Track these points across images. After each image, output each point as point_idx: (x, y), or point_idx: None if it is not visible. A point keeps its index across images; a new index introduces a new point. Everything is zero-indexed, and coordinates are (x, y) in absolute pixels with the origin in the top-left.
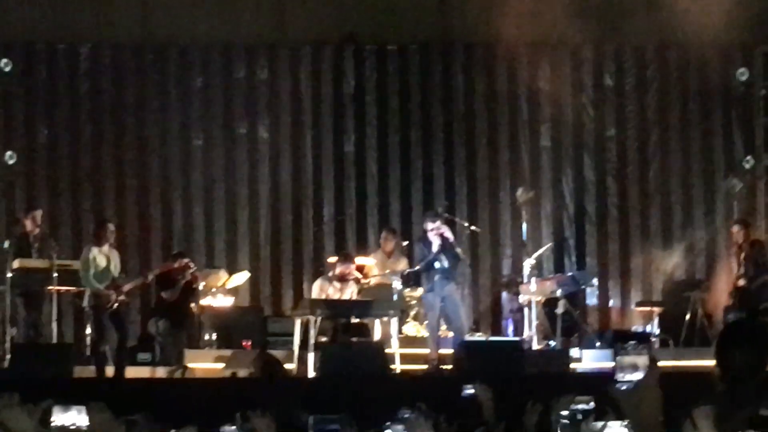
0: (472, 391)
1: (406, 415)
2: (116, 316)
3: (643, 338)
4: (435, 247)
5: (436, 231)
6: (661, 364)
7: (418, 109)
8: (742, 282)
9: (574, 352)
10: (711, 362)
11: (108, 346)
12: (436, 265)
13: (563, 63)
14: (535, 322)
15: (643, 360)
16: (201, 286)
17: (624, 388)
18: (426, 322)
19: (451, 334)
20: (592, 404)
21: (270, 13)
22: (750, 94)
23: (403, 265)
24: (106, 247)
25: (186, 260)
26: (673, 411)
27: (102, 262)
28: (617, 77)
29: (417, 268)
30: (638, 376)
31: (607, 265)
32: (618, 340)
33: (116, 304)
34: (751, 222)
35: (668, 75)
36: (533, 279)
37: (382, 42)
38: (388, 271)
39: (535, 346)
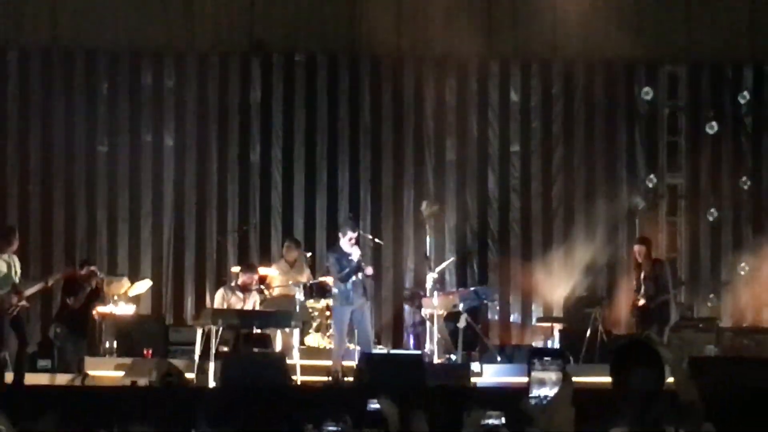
0: (377, 405)
1: (331, 428)
2: (17, 322)
3: (558, 354)
4: (356, 257)
5: (355, 240)
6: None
7: (325, 119)
8: (642, 301)
9: (475, 366)
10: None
11: (7, 352)
12: (353, 277)
13: (469, 78)
14: (436, 336)
15: (556, 376)
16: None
17: (536, 403)
18: (330, 332)
19: (352, 346)
20: (503, 419)
21: (178, 20)
22: (654, 113)
23: (305, 276)
24: (6, 254)
25: (93, 267)
26: (585, 427)
27: (2, 267)
28: (523, 93)
29: (340, 275)
30: (551, 391)
31: (508, 280)
32: (533, 355)
33: (17, 310)
34: (652, 241)
35: (573, 92)
36: (435, 293)
37: (290, 51)
38: (290, 281)
39: (437, 360)
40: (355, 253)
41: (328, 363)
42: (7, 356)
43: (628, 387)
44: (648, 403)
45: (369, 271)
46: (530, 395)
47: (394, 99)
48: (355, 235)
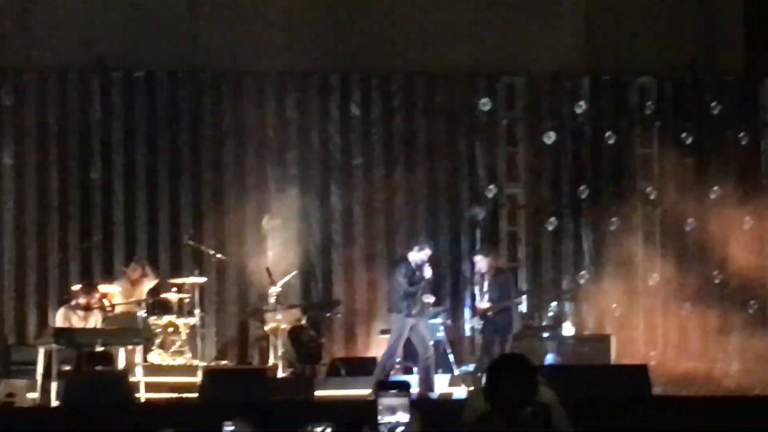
0: (232, 428)
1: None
2: None
3: (404, 387)
4: (428, 275)
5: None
6: None
7: (166, 136)
8: (485, 305)
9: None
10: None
11: None
12: (422, 294)
13: (310, 91)
14: (280, 350)
15: (402, 402)
16: None
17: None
18: (174, 348)
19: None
20: (330, 429)
21: (15, 38)
22: (493, 124)
23: (147, 292)
24: None
25: None
26: None
27: None
28: (363, 106)
29: (410, 289)
30: (397, 418)
31: (354, 293)
32: (379, 388)
33: None
34: (492, 250)
35: (414, 104)
36: (279, 307)
37: (130, 68)
38: (132, 299)
39: (281, 374)
40: (428, 272)
41: (172, 379)
42: None
43: (498, 398)
44: (513, 414)
45: (430, 298)
46: (380, 423)
47: (235, 114)
48: (431, 253)
